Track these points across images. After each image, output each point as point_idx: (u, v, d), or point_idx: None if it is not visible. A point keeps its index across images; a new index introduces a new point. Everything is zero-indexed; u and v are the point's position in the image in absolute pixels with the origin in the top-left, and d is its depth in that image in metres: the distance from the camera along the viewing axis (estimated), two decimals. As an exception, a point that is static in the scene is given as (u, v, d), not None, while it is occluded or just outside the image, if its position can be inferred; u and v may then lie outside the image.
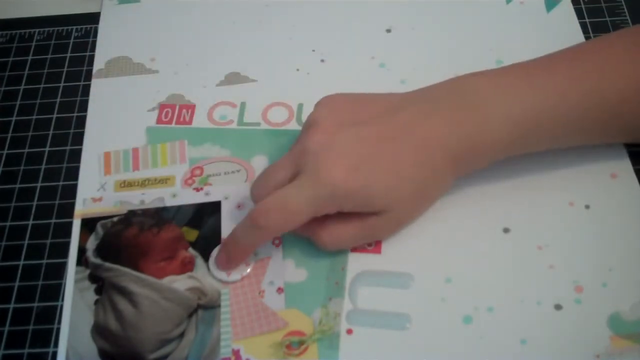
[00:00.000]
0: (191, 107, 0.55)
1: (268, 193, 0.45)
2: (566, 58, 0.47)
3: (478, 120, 0.45)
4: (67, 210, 0.51)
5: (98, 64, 0.59)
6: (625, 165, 0.50)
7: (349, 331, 0.44)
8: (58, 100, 0.57)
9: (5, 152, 0.54)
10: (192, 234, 0.49)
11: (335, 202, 0.44)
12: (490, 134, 0.45)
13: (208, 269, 0.47)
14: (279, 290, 0.46)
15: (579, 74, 0.46)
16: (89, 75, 0.58)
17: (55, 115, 0.56)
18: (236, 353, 0.44)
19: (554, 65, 0.47)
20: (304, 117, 0.54)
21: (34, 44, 0.61)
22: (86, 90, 0.57)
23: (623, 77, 0.45)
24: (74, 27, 0.61)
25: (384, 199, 0.44)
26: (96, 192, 0.51)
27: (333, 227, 0.45)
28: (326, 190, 0.43)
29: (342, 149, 0.44)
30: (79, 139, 0.54)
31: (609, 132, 0.48)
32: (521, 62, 0.48)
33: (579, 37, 0.57)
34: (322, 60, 0.57)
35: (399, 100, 0.47)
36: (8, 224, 0.51)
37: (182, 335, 0.45)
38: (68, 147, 0.54)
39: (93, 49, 0.60)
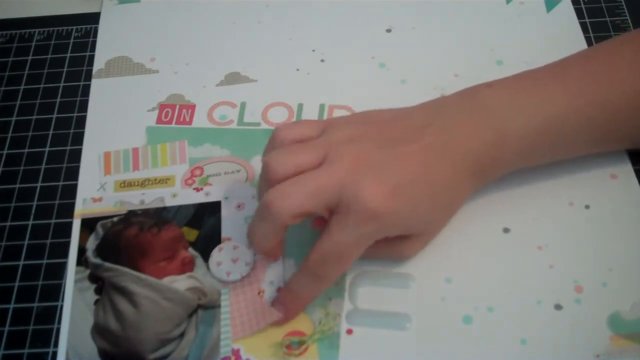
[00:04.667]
0: (191, 107, 0.55)
1: (289, 169, 0.42)
2: (575, 65, 0.47)
3: (497, 133, 0.44)
4: (67, 210, 0.51)
5: (98, 64, 0.59)
6: (625, 166, 0.50)
7: (349, 331, 0.44)
8: (58, 100, 0.57)
9: (5, 152, 0.54)
10: (192, 234, 0.49)
11: (381, 233, 0.43)
12: (509, 147, 0.45)
13: (208, 269, 0.47)
14: (279, 290, 0.46)
15: (588, 84, 0.45)
16: (89, 75, 0.58)
17: (55, 115, 0.56)
18: (236, 353, 0.44)
19: (563, 75, 0.46)
20: (304, 117, 0.54)
21: (34, 44, 0.61)
22: (86, 90, 0.57)
23: (632, 85, 0.45)
24: (74, 27, 0.61)
25: (423, 224, 0.45)
26: (96, 192, 0.51)
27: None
28: (372, 226, 0.42)
29: (379, 170, 0.42)
30: (79, 139, 0.54)
31: (619, 140, 0.48)
32: (531, 70, 0.47)
33: (579, 37, 0.57)
34: (322, 60, 0.57)
35: (420, 116, 0.45)
36: (8, 224, 0.51)
37: (182, 335, 0.45)
38: (68, 147, 0.54)
39: (93, 49, 0.60)
